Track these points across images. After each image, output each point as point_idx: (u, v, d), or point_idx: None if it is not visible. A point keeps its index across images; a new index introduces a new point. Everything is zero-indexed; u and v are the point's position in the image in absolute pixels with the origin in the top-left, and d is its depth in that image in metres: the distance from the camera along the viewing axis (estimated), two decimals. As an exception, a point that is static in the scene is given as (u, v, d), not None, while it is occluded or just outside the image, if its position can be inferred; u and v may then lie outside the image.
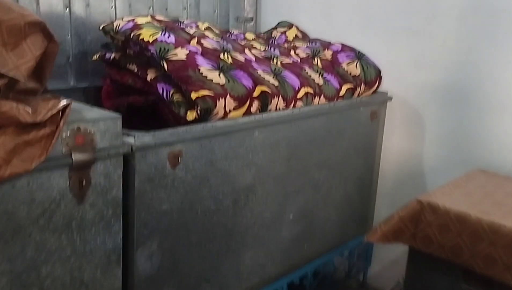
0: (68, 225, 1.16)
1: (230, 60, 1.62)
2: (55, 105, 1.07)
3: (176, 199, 1.40)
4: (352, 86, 1.94)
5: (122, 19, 1.69)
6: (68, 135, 1.11)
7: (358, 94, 1.99)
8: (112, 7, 1.99)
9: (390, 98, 2.14)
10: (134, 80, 1.64)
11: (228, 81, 1.51)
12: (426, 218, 1.29)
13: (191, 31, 1.71)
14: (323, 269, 2.10)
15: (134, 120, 1.42)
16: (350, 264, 2.24)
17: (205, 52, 1.58)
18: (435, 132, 2.09)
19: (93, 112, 1.22)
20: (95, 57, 1.79)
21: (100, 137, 1.17)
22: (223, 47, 1.68)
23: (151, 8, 2.12)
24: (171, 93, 1.49)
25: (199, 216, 1.49)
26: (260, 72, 1.66)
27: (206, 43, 1.65)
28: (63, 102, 1.08)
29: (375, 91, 2.08)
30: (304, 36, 2.25)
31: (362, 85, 1.98)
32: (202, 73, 1.48)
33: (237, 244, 1.64)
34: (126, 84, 1.67)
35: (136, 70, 1.61)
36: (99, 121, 1.17)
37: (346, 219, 2.12)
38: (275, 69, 1.74)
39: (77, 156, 1.13)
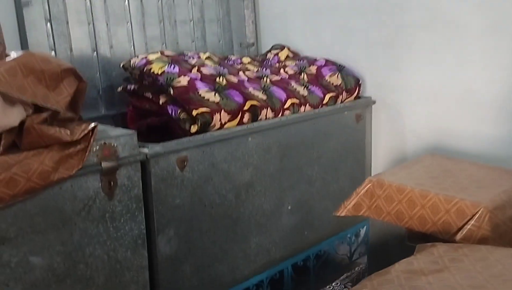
0: (103, 216, 1.55)
1: (224, 82, 1.99)
2: (86, 127, 1.47)
3: (186, 195, 1.78)
4: (334, 95, 2.28)
5: (137, 57, 2.09)
6: (97, 148, 1.50)
7: (341, 101, 2.33)
8: (131, 46, 2.41)
9: (374, 102, 2.47)
10: (151, 105, 2.03)
11: (222, 99, 1.88)
12: (376, 193, 1.60)
13: (193, 61, 2.10)
14: (325, 253, 2.42)
15: (153, 136, 1.81)
16: (351, 249, 2.54)
17: (204, 77, 1.97)
18: (414, 127, 2.38)
19: (115, 131, 1.61)
20: (119, 89, 2.20)
21: (121, 149, 1.56)
22: (219, 72, 2.06)
23: (164, 44, 2.53)
24: (178, 112, 1.88)
25: (207, 208, 1.85)
26: (250, 89, 2.03)
27: (205, 70, 2.03)
28: (92, 124, 1.48)
29: (357, 97, 2.41)
30: (295, 55, 2.61)
31: (344, 93, 2.32)
32: (200, 94, 1.86)
33: (243, 231, 1.99)
34: (145, 108, 2.07)
35: (151, 97, 2.01)
36: (120, 137, 1.56)
37: (343, 209, 2.44)
38: (264, 86, 2.11)
39: (105, 164, 1.52)
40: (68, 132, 1.42)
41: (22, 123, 1.39)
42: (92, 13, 2.25)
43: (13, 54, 1.46)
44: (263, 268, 2.11)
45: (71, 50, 2.20)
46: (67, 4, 2.17)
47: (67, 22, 2.17)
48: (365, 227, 2.58)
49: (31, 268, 1.41)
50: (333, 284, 2.32)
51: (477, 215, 1.39)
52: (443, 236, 1.45)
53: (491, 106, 2.10)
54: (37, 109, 1.45)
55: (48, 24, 2.12)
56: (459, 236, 1.40)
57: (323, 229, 2.35)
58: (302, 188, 2.21)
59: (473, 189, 1.52)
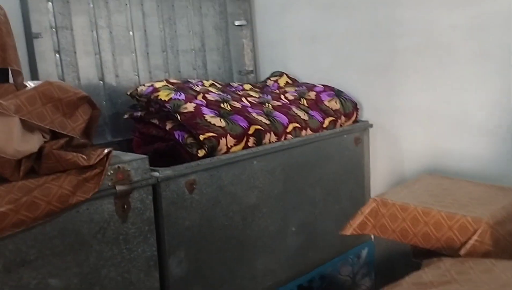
0: (117, 239, 1.60)
1: (229, 108, 2.07)
2: (101, 152, 1.53)
3: (195, 217, 1.83)
4: (333, 119, 2.37)
5: (144, 85, 2.17)
6: (112, 172, 1.56)
7: (340, 125, 2.41)
8: (136, 75, 2.49)
9: (371, 125, 2.55)
10: (157, 131, 2.10)
11: (228, 123, 1.95)
12: (380, 211, 1.67)
13: (198, 88, 2.18)
14: (329, 274, 2.46)
15: (159, 161, 1.87)
16: (353, 270, 2.59)
17: (209, 104, 2.04)
18: (411, 149, 2.46)
19: (128, 156, 1.67)
20: (126, 116, 2.26)
21: (134, 173, 1.62)
22: (223, 98, 2.13)
23: (167, 73, 2.62)
24: (185, 137, 1.94)
25: (215, 230, 1.90)
26: (254, 114, 2.11)
27: (210, 96, 2.11)
28: (107, 150, 1.54)
29: (355, 121, 2.50)
30: (294, 81, 2.70)
31: (342, 117, 2.40)
32: (207, 120, 1.93)
33: (249, 252, 2.04)
34: (151, 134, 2.13)
35: (158, 123, 2.08)
36: (132, 161, 1.62)
37: (345, 230, 2.49)
38: (266, 111, 2.18)
39: (119, 187, 1.57)
40: (85, 157, 1.47)
41: (40, 149, 1.45)
42: (98, 44, 2.34)
43: (30, 84, 1.53)
44: (270, 289, 2.15)
45: (78, 79, 2.27)
46: (75, 36, 2.25)
47: (75, 53, 2.26)
48: (366, 248, 2.63)
49: (50, 289, 1.45)
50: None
51: (479, 231, 1.45)
52: (447, 252, 1.51)
53: (484, 127, 2.18)
54: (54, 135, 1.51)
55: (57, 54, 2.20)
56: (463, 251, 1.46)
57: (326, 250, 2.40)
58: (305, 209, 2.26)
59: (473, 206, 1.59)
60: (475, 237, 1.45)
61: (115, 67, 2.40)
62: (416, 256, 1.59)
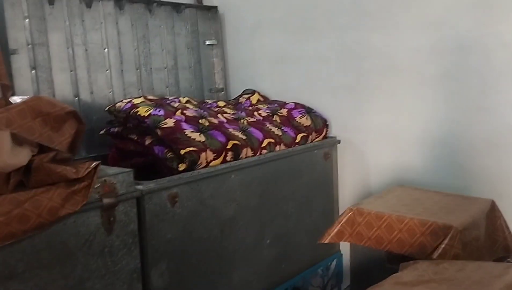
0: (102, 251, 1.62)
1: (207, 123, 2.13)
2: (89, 165, 1.55)
3: (177, 229, 1.87)
4: (305, 134, 2.47)
5: (122, 101, 2.20)
6: (98, 185, 1.59)
7: (311, 140, 2.52)
8: (110, 92, 2.52)
9: (339, 141, 2.67)
10: (135, 146, 2.13)
11: (207, 138, 2.01)
12: (357, 220, 1.77)
13: (175, 105, 2.23)
14: (301, 286, 2.53)
15: (137, 175, 1.90)
16: (324, 281, 2.67)
17: (188, 119, 2.10)
18: (377, 164, 2.59)
19: (113, 170, 1.70)
20: (102, 132, 2.28)
21: (120, 185, 1.65)
22: (201, 114, 2.20)
23: (140, 90, 2.66)
24: (164, 152, 1.99)
25: (195, 242, 1.94)
26: (231, 130, 2.18)
27: (188, 112, 2.17)
28: (95, 163, 1.57)
29: (325, 136, 2.61)
30: (265, 99, 2.80)
31: (313, 133, 2.51)
32: (186, 135, 1.98)
33: (227, 264, 2.09)
34: (129, 150, 2.17)
35: (136, 138, 2.11)
36: (118, 175, 1.65)
37: (316, 243, 2.58)
38: (242, 127, 2.26)
39: (106, 200, 1.60)
40: (74, 170, 1.50)
41: (29, 162, 1.47)
42: (74, 61, 2.36)
43: (17, 99, 1.55)
44: (246, 300, 2.20)
45: (54, 95, 2.28)
46: (51, 52, 2.27)
47: (51, 69, 2.28)
48: (335, 260, 2.72)
49: (37, 303, 1.45)
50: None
51: (449, 235, 1.57)
52: (420, 256, 1.61)
53: (444, 144, 2.34)
54: (41, 149, 1.53)
55: (33, 71, 2.21)
56: (435, 255, 1.57)
57: (299, 262, 2.47)
58: (279, 222, 2.34)
59: (442, 214, 1.71)
60: (446, 241, 1.56)
61: (90, 84, 2.43)
62: (391, 262, 1.69)
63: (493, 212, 1.85)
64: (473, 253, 1.60)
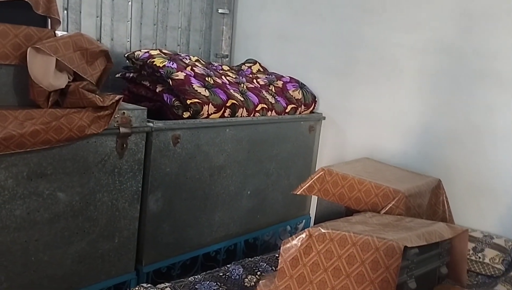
0: (113, 171, 1.94)
1: (212, 82, 2.44)
2: (114, 97, 1.87)
3: (174, 166, 2.19)
4: (295, 106, 2.79)
5: (140, 50, 2.50)
6: (118, 116, 1.90)
7: (300, 112, 2.84)
8: (128, 41, 2.80)
9: (324, 118, 3.00)
10: (147, 92, 2.43)
11: (211, 94, 2.33)
12: (326, 179, 2.11)
13: (187, 61, 2.53)
14: (272, 236, 2.89)
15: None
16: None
17: (196, 75, 2.41)
18: (354, 142, 2.93)
19: (130, 106, 2.01)
20: (118, 75, 2.58)
21: (135, 119, 1.97)
22: (208, 73, 2.51)
23: (154, 44, 2.95)
24: (173, 100, 2.30)
25: (188, 180, 2.27)
26: (232, 91, 2.49)
27: (197, 69, 2.47)
28: (118, 96, 1.88)
29: (312, 111, 2.94)
30: (264, 70, 3.11)
31: (302, 106, 2.84)
32: (194, 88, 2.29)
33: (211, 205, 2.43)
34: (141, 94, 2.47)
35: (148, 85, 2.42)
36: (134, 110, 1.97)
37: (289, 202, 2.93)
38: (242, 90, 2.58)
39: (122, 129, 1.92)
40: (101, 99, 1.81)
41: (66, 86, 1.77)
42: (101, 8, 2.64)
43: (64, 33, 1.85)
44: (222, 239, 2.54)
45: (80, 36, 2.56)
46: (82, -3, 2.55)
47: (80, 12, 2.55)
48: (303, 221, 3.08)
49: (57, 201, 1.78)
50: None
51: (396, 198, 1.92)
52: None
53: (413, 132, 2.68)
54: (75, 78, 1.84)
55: (65, 11, 2.48)
56: (382, 211, 1.92)
57: (272, 216, 2.82)
58: (260, 178, 2.68)
59: (395, 182, 2.06)
60: (393, 202, 1.92)
61: (111, 31, 2.71)
62: (348, 215, 2.03)
63: (438, 189, 2.21)
64: (414, 217, 1.95)
